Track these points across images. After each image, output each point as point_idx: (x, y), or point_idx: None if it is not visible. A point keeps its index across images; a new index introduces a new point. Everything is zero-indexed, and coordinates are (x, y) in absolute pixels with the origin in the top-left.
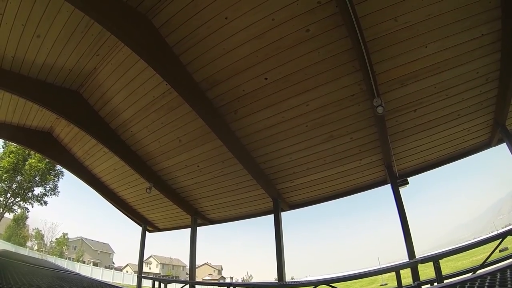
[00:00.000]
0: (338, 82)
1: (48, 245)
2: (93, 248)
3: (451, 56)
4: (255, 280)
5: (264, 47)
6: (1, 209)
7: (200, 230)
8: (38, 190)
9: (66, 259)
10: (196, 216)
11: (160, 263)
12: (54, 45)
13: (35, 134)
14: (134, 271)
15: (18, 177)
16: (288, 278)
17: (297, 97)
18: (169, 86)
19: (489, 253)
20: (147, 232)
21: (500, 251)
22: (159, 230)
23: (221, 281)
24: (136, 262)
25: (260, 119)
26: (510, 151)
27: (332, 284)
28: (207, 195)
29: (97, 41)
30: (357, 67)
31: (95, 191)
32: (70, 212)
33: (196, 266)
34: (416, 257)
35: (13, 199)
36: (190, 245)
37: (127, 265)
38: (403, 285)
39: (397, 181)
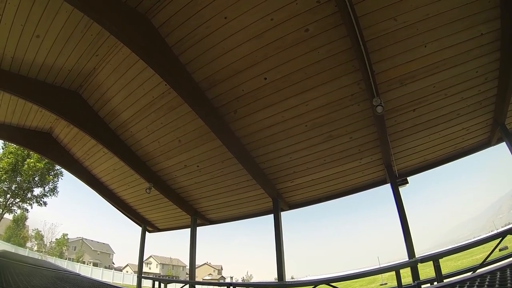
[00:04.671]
0: (337, 81)
1: (48, 245)
2: (93, 249)
3: (450, 56)
4: (255, 279)
5: (263, 46)
6: (1, 210)
7: (200, 230)
8: (37, 191)
9: (66, 259)
10: (196, 216)
11: (160, 263)
12: (53, 45)
13: (35, 135)
14: (134, 271)
15: (18, 178)
16: (288, 278)
17: (296, 97)
18: (169, 86)
19: (489, 252)
20: (147, 232)
21: (500, 250)
22: (159, 230)
23: (221, 281)
24: (136, 262)
25: (259, 119)
26: (510, 150)
27: (332, 284)
28: (207, 195)
29: (96, 41)
30: (357, 66)
31: (95, 192)
32: (70, 212)
33: (196, 266)
34: (416, 257)
35: (12, 199)
36: (190, 245)
37: (127, 265)
38: (403, 284)
39: (397, 180)
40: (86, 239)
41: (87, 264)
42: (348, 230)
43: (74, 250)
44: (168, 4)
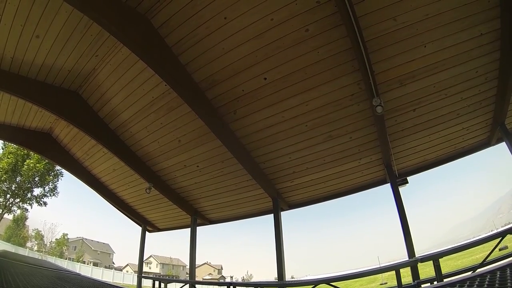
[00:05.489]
0: (337, 81)
1: (48, 245)
2: (93, 248)
3: (450, 56)
4: (255, 279)
5: (263, 47)
6: (1, 210)
7: (200, 229)
8: (37, 191)
9: (66, 259)
10: (196, 216)
11: (160, 263)
12: (53, 45)
13: (35, 135)
14: (134, 271)
15: (18, 178)
16: (288, 277)
17: (296, 97)
18: (168, 86)
19: (489, 251)
20: (147, 232)
21: (500, 249)
22: (159, 230)
23: (221, 280)
24: (136, 262)
25: (259, 119)
26: (510, 150)
27: (332, 283)
28: (207, 195)
29: (96, 42)
30: (356, 66)
31: (95, 192)
32: (70, 212)
33: (196, 266)
34: (416, 256)
35: (12, 200)
36: (190, 245)
37: (127, 265)
38: (403, 284)
39: (397, 180)
40: (86, 239)
41: (87, 264)
42: (348, 229)
43: (74, 250)
44: (168, 4)
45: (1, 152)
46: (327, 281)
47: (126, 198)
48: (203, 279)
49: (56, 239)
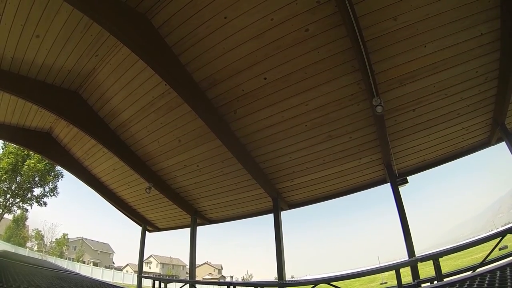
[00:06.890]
0: (337, 81)
1: (48, 245)
2: (93, 248)
3: (450, 56)
4: (255, 279)
5: (263, 46)
6: (1, 210)
7: (200, 229)
8: (37, 191)
9: (66, 259)
10: (196, 216)
11: (160, 263)
12: (53, 45)
13: (35, 135)
14: (134, 271)
15: (18, 178)
16: (288, 277)
17: (296, 97)
18: (168, 86)
19: (489, 251)
20: (147, 232)
21: (500, 249)
22: (159, 229)
23: (221, 280)
24: (136, 262)
25: (259, 119)
26: (510, 150)
27: (332, 283)
28: (207, 195)
29: (96, 41)
30: (356, 66)
31: (95, 192)
32: (70, 212)
33: (196, 266)
34: (416, 256)
35: (12, 200)
36: (190, 245)
37: (127, 265)
38: (403, 283)
39: (397, 180)
40: (86, 238)
41: (87, 264)
42: (348, 229)
43: (74, 250)
44: (168, 4)
45: (1, 152)
46: (327, 280)
47: (126, 198)
48: (203, 279)
49: (56, 239)
